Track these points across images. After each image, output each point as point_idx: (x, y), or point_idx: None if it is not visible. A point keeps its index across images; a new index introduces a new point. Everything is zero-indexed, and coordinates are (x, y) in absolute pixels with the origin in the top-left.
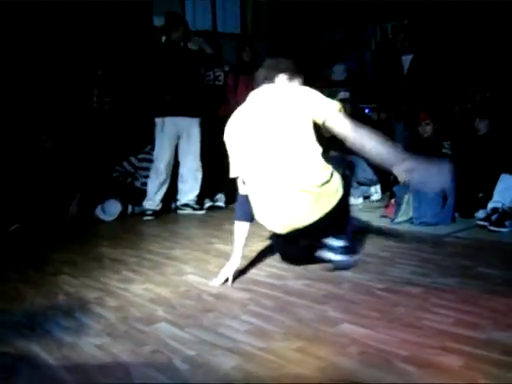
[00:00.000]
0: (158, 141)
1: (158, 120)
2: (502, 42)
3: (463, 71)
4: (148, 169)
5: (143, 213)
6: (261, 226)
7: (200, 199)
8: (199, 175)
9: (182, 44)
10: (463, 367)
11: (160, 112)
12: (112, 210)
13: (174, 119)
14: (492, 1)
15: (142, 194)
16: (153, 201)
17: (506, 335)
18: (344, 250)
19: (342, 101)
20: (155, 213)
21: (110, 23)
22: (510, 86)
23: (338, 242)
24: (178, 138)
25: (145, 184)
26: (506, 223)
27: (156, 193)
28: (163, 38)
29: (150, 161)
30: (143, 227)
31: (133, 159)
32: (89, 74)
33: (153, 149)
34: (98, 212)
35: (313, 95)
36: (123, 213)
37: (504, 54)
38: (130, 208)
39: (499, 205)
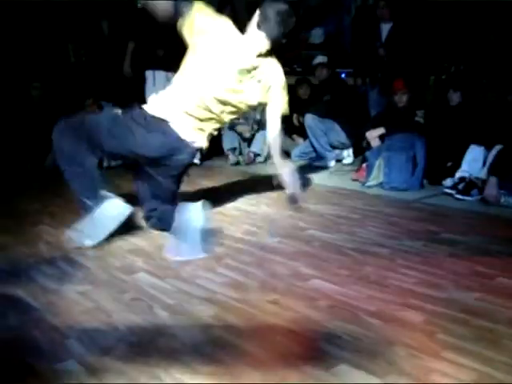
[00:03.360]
0: (151, 94)
1: (148, 73)
2: (479, 17)
3: (439, 43)
4: None
5: (122, 165)
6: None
7: None
8: None
9: None
10: (424, 322)
11: (151, 65)
12: None
13: (165, 74)
14: None
15: None
16: None
17: (465, 295)
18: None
19: (319, 65)
20: None
21: None
22: (483, 60)
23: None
24: None
25: None
26: (472, 192)
27: None
28: None
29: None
30: (119, 181)
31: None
32: (63, 29)
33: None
34: None
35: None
36: (99, 166)
37: (479, 29)
38: (105, 162)
39: (466, 174)
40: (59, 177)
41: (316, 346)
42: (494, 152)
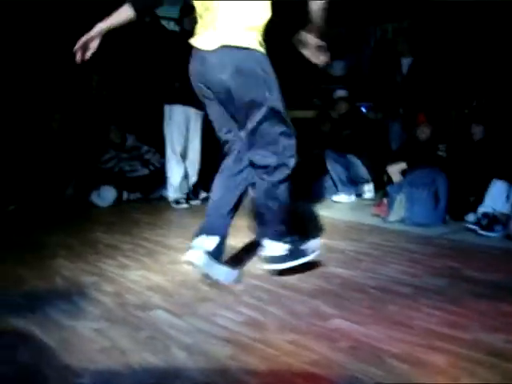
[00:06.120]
0: (168, 129)
1: (166, 107)
2: (500, 49)
3: (461, 76)
4: (135, 158)
5: (141, 199)
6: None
7: (195, 189)
8: (197, 166)
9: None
10: (449, 366)
11: (168, 99)
12: (107, 196)
13: (182, 108)
14: (492, 5)
15: (135, 181)
16: (181, 188)
17: (492, 337)
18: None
19: (339, 99)
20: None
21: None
22: (505, 94)
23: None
24: (186, 127)
25: (132, 171)
26: (496, 228)
27: (183, 179)
28: (171, 25)
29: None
30: (137, 214)
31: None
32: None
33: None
34: (94, 197)
35: None
36: (118, 199)
37: (501, 61)
38: (125, 195)
39: (490, 209)
40: (78, 209)
41: None
42: None
